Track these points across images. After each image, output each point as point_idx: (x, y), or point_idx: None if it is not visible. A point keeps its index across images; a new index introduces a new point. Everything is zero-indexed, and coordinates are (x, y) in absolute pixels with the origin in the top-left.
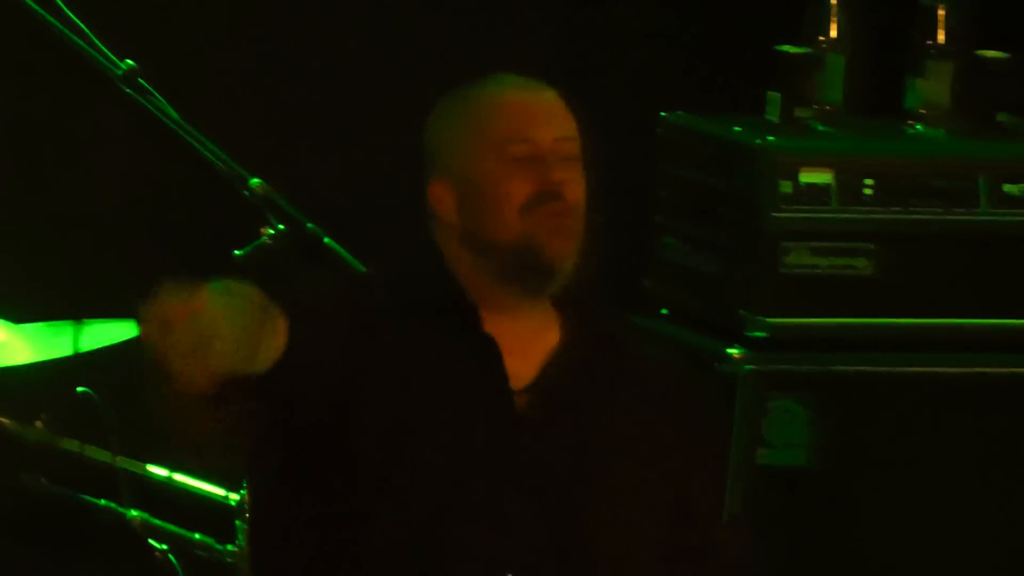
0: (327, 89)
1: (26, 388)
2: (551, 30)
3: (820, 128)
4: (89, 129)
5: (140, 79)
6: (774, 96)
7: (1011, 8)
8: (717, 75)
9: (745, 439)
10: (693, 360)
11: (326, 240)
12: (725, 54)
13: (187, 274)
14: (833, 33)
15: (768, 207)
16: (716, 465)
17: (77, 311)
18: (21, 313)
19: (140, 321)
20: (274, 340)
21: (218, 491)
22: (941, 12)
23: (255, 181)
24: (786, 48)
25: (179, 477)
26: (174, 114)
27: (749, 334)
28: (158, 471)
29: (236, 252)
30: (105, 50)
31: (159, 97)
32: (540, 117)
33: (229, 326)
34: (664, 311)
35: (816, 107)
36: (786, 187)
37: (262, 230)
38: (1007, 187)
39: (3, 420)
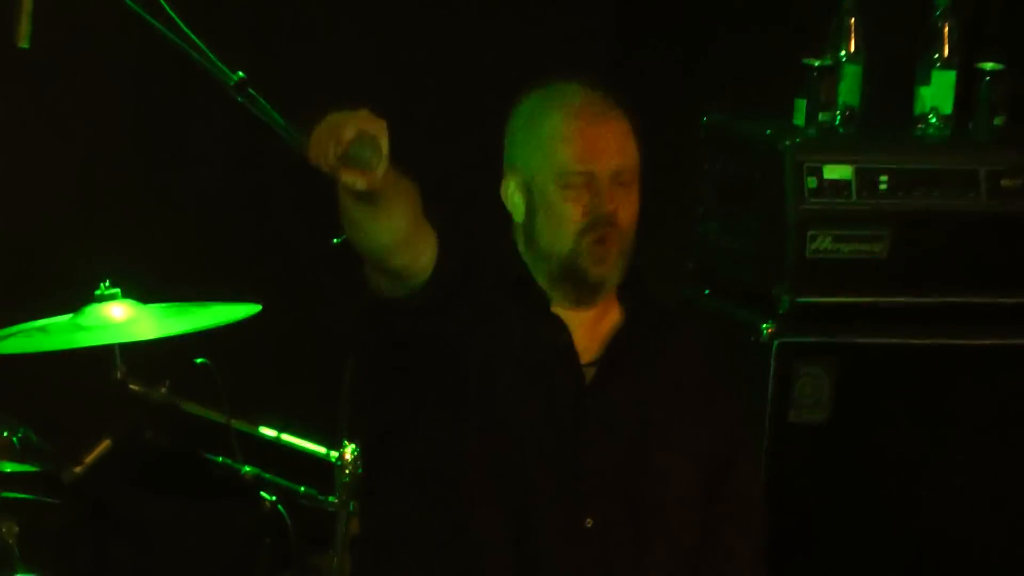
0: (424, 87)
1: (152, 359)
2: (601, 35)
3: (840, 130)
4: (205, 131)
5: (249, 88)
6: (800, 102)
7: (1005, 26)
8: (752, 83)
9: (777, 400)
10: (732, 333)
11: None
12: (760, 65)
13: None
14: (852, 48)
15: (796, 199)
16: (748, 426)
17: (196, 293)
18: (148, 294)
19: (312, 140)
20: (427, 247)
21: (320, 449)
22: (945, 29)
23: None
24: (810, 60)
25: (286, 437)
26: (279, 119)
27: (780, 310)
28: (268, 431)
29: (335, 240)
30: (219, 64)
31: (265, 103)
32: (602, 152)
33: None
34: (706, 291)
35: (837, 112)
36: (811, 182)
37: None
38: (1004, 181)
39: (133, 386)
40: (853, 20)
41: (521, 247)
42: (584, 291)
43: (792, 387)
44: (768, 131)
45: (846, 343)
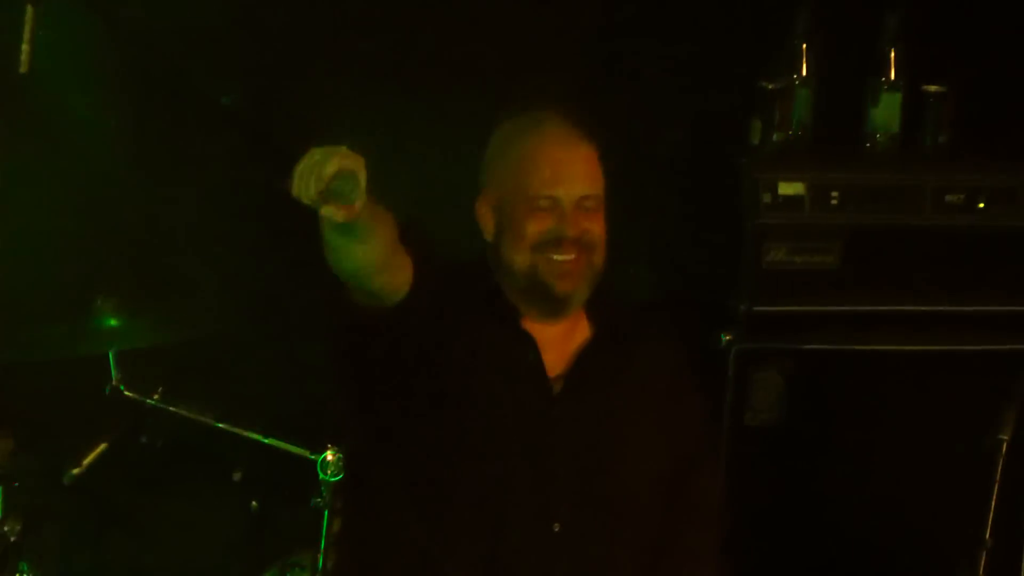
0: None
1: (146, 366)
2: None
3: (794, 148)
4: (198, 151)
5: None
6: (756, 122)
7: (947, 50)
8: (709, 105)
9: (734, 404)
10: (691, 340)
11: None
12: (716, 89)
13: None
14: (803, 71)
15: (752, 214)
16: (711, 431)
17: (186, 304)
18: (139, 305)
19: (295, 175)
20: (401, 270)
21: (304, 451)
22: (892, 53)
23: None
24: (765, 83)
25: (272, 439)
26: None
27: (737, 318)
28: (254, 434)
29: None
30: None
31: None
32: (567, 177)
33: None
34: (666, 300)
35: (790, 132)
36: (767, 197)
37: None
38: (948, 196)
39: (128, 392)
40: (805, 45)
41: (492, 264)
42: (551, 305)
43: (748, 391)
44: (726, 149)
45: (800, 349)
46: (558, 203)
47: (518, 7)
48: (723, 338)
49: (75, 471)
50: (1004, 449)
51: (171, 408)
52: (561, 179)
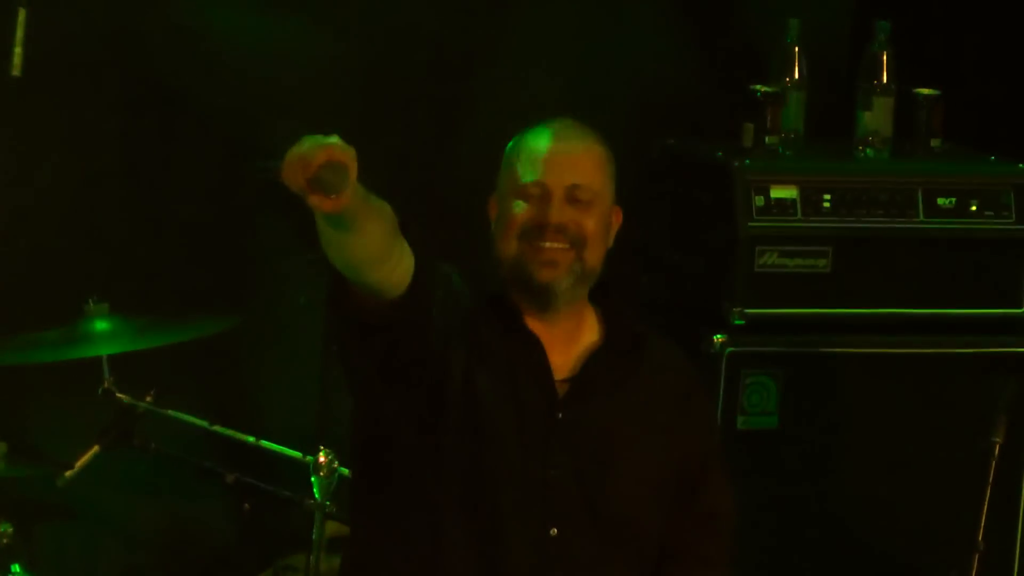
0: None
1: (138, 369)
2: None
3: (786, 153)
4: (189, 152)
5: None
6: (748, 126)
7: (939, 54)
8: (702, 109)
9: (728, 407)
10: (685, 344)
11: None
12: (709, 92)
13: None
14: (796, 75)
15: (744, 217)
16: (715, 439)
17: (177, 307)
18: (133, 308)
19: (285, 162)
20: (400, 264)
21: (297, 453)
22: (884, 57)
23: None
24: (757, 87)
25: (265, 442)
26: None
27: (730, 322)
28: (246, 437)
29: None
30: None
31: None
32: (558, 165)
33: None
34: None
35: (782, 135)
36: (759, 201)
37: None
38: (940, 200)
39: (120, 395)
40: (797, 49)
41: (494, 261)
42: (535, 296)
43: (740, 395)
44: (718, 153)
45: (792, 352)
46: (547, 191)
47: (518, 7)
48: (716, 341)
49: (68, 474)
50: (997, 452)
51: (164, 411)
52: (552, 167)
